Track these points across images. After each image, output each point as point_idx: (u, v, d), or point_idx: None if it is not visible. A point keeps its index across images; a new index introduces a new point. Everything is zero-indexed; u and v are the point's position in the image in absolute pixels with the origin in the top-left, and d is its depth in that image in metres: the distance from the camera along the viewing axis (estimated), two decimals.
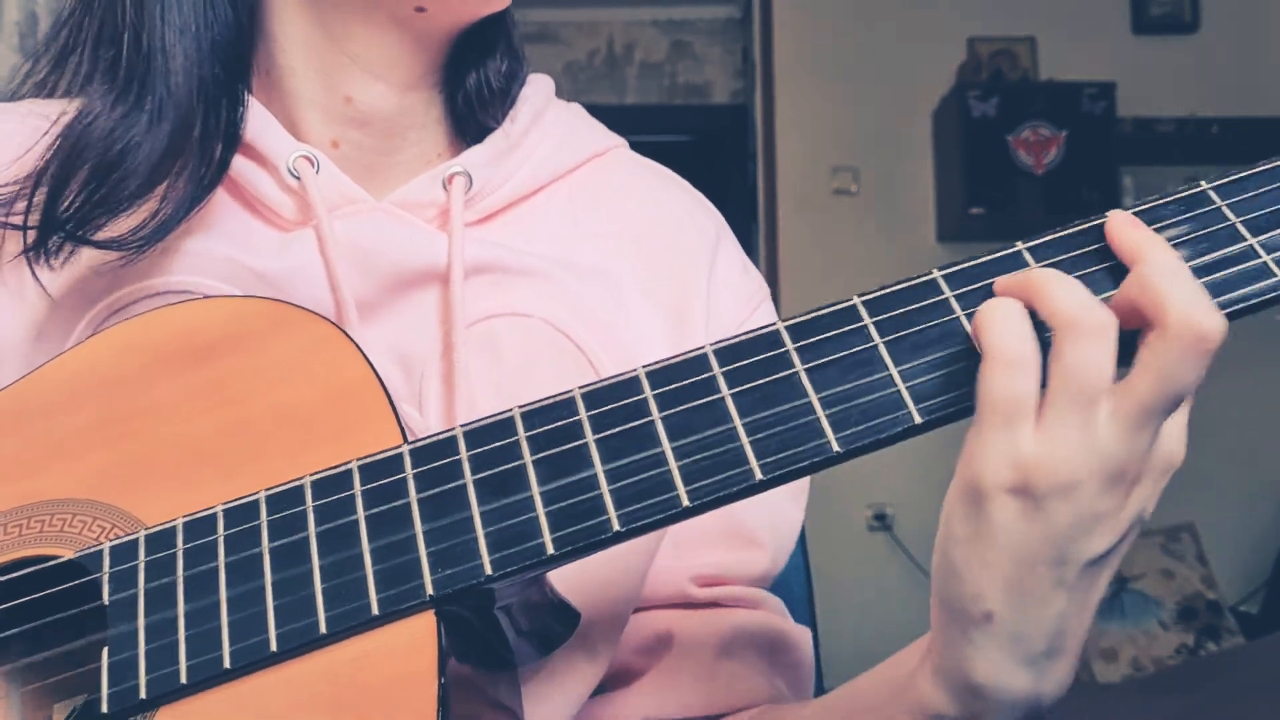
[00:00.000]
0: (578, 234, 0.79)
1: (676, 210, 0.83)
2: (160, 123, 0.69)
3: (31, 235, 0.69)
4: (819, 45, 3.97)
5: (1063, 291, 0.51)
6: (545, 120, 0.80)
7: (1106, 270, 0.54)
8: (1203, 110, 3.81)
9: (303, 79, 0.75)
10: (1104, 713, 2.63)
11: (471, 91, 0.78)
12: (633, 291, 0.78)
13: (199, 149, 0.70)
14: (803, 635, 0.80)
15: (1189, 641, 3.31)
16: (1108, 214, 0.55)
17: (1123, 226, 0.53)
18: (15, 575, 0.57)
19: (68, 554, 0.57)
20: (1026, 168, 3.71)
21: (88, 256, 0.69)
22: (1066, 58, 3.86)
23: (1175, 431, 0.52)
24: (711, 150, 4.17)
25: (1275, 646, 2.84)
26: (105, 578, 0.56)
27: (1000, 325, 0.51)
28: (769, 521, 0.80)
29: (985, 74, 3.86)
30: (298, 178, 0.72)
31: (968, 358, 0.53)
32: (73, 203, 0.68)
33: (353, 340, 0.60)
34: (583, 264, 0.77)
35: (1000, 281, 0.54)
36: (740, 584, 0.79)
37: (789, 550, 0.83)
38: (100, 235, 0.68)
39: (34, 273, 0.69)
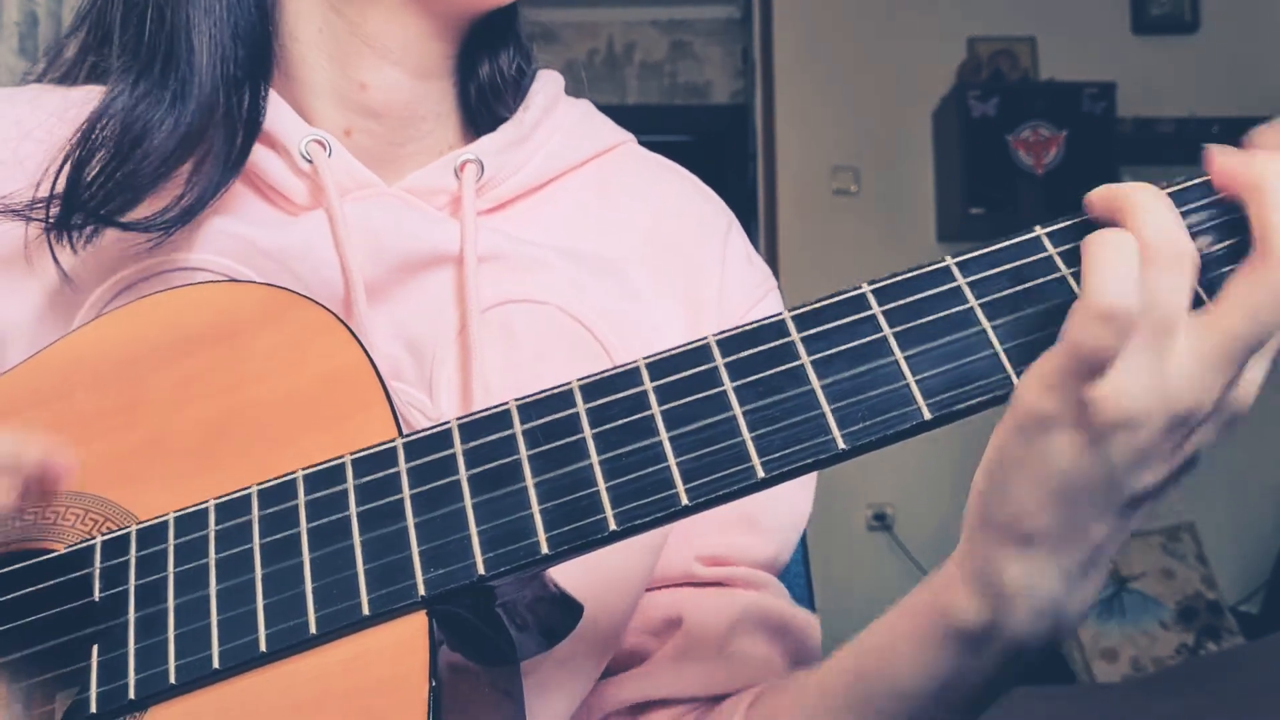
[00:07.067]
0: (587, 228, 0.79)
1: (686, 205, 0.83)
2: (184, 102, 0.69)
3: (54, 214, 0.68)
4: (819, 45, 3.96)
5: (1151, 216, 0.50)
6: (556, 113, 0.80)
7: None
8: (1203, 110, 3.80)
9: (315, 67, 0.75)
10: (1104, 713, 2.63)
11: (485, 81, 0.79)
12: (645, 284, 0.78)
13: (223, 131, 0.70)
14: (809, 620, 0.80)
15: (1189, 641, 3.31)
16: (1208, 150, 0.53)
17: (1234, 159, 0.52)
18: (7, 570, 0.57)
19: (59, 548, 0.57)
20: (1027, 168, 3.71)
21: (106, 237, 0.69)
22: (1066, 58, 3.85)
23: (1253, 378, 0.51)
24: (711, 150, 4.17)
25: (1275, 646, 2.84)
26: (96, 573, 0.55)
27: (1107, 269, 0.49)
28: (776, 508, 0.80)
29: (985, 74, 3.86)
30: (310, 161, 0.72)
31: (981, 349, 0.52)
32: (94, 180, 0.68)
33: (349, 328, 0.60)
34: (593, 257, 0.77)
35: (1096, 195, 0.52)
36: (743, 565, 0.79)
37: (795, 539, 0.83)
38: (126, 217, 0.68)
39: (53, 252, 0.68)
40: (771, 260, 3.84)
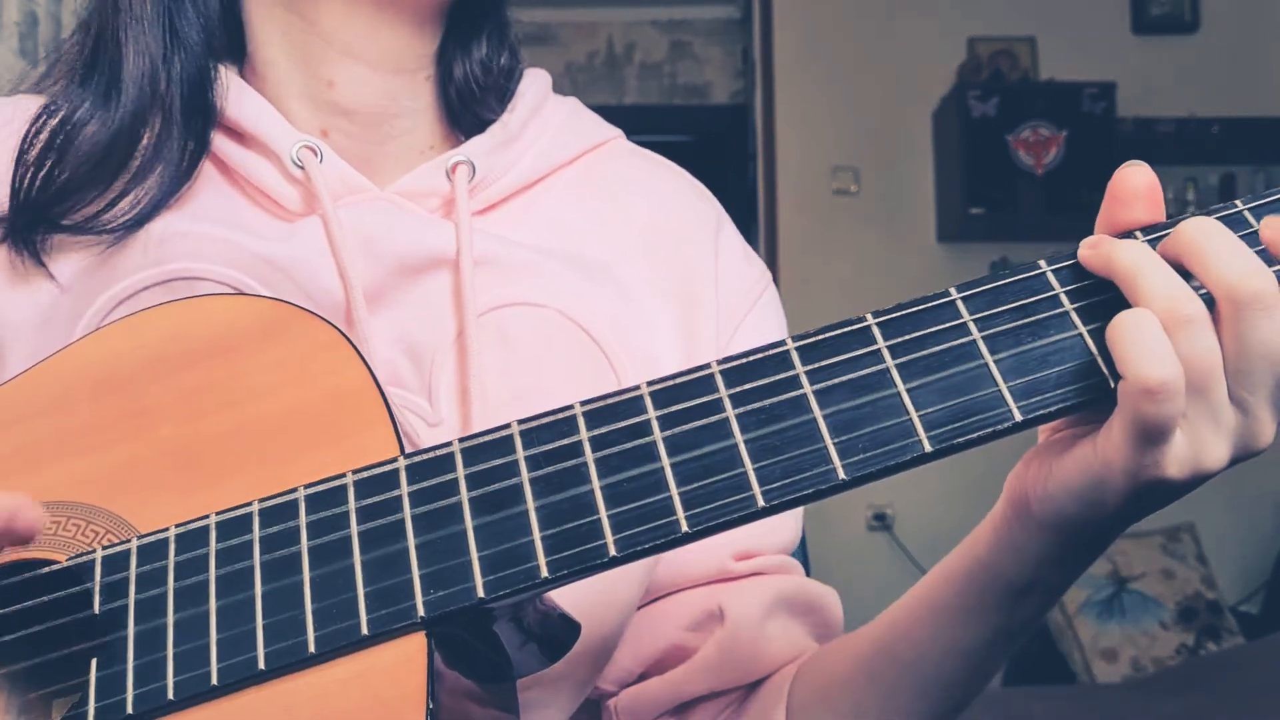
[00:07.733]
0: (579, 225, 0.79)
1: (676, 199, 0.83)
2: (107, 106, 0.70)
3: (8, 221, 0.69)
4: (819, 45, 3.96)
5: (1150, 283, 0.52)
6: (544, 112, 0.80)
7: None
8: (1203, 110, 3.81)
9: (284, 70, 0.75)
10: (1104, 713, 2.63)
11: (461, 82, 0.78)
12: (637, 282, 0.78)
13: (169, 135, 0.71)
14: (831, 595, 0.81)
15: (1189, 641, 3.31)
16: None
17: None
18: (7, 581, 0.57)
19: (60, 559, 0.56)
20: (1027, 168, 3.71)
21: (85, 242, 0.69)
22: (1066, 58, 3.86)
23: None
24: (711, 150, 4.17)
25: (1275, 646, 2.84)
26: (96, 587, 0.55)
27: (1140, 348, 0.50)
28: None
29: (985, 74, 3.86)
30: (301, 167, 0.72)
31: (983, 384, 0.52)
32: (32, 184, 0.69)
33: (352, 344, 0.60)
34: (585, 256, 0.77)
35: (1088, 251, 0.55)
36: (771, 553, 0.80)
37: (800, 519, 0.84)
38: (70, 220, 0.68)
39: (40, 260, 0.69)
40: (771, 260, 3.84)
